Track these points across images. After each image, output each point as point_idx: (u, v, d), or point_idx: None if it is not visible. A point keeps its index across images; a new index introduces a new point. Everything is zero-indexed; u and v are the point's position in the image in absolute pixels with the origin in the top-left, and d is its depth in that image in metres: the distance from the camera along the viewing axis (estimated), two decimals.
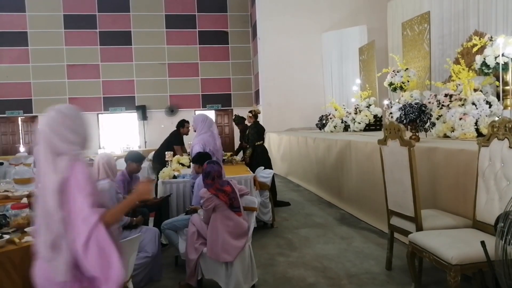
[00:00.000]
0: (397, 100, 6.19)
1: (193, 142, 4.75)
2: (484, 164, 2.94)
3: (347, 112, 9.26)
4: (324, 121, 9.76)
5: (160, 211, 4.82)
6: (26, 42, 13.55)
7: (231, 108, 14.64)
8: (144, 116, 13.97)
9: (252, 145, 6.62)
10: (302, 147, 8.55)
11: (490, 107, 4.50)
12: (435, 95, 5.07)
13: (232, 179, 3.84)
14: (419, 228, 3.23)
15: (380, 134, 4.40)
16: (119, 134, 14.23)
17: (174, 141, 6.66)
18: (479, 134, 4.38)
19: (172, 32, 14.22)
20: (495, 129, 2.88)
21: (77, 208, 1.65)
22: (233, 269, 3.31)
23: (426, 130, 4.58)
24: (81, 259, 1.63)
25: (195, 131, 4.83)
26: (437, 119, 4.83)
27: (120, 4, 13.92)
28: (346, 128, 9.10)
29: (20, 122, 14.06)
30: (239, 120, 7.69)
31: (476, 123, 4.44)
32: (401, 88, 6.87)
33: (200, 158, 4.40)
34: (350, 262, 4.11)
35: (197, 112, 14.59)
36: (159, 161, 6.26)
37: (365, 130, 8.37)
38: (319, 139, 7.73)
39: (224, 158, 6.61)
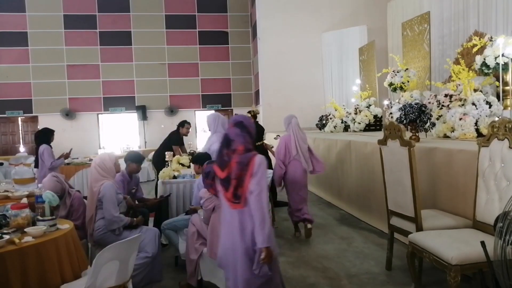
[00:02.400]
0: (397, 100, 6.19)
1: (209, 141, 4.71)
2: (484, 164, 2.94)
3: (347, 112, 9.26)
4: (324, 121, 9.76)
5: (160, 211, 4.82)
6: (26, 42, 13.54)
7: (231, 108, 14.63)
8: (144, 116, 13.97)
9: (254, 145, 6.62)
10: None
11: (490, 107, 4.50)
12: (435, 95, 5.06)
13: None
14: (419, 228, 3.23)
15: (380, 134, 4.40)
16: (119, 134, 14.22)
17: (173, 141, 6.66)
18: (479, 134, 4.38)
19: (172, 32, 14.21)
20: (495, 129, 2.88)
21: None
22: None
23: (426, 130, 4.58)
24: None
25: (210, 130, 4.85)
26: (437, 119, 4.83)
27: (120, 4, 13.91)
28: (346, 128, 9.10)
29: (20, 122, 14.04)
30: None
31: (476, 123, 4.44)
32: (401, 88, 6.87)
33: (200, 158, 4.40)
34: (350, 262, 4.11)
35: (197, 113, 14.63)
36: (159, 161, 6.26)
37: (365, 130, 8.37)
38: (319, 139, 7.72)
39: None
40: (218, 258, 2.60)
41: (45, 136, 6.18)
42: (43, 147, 6.00)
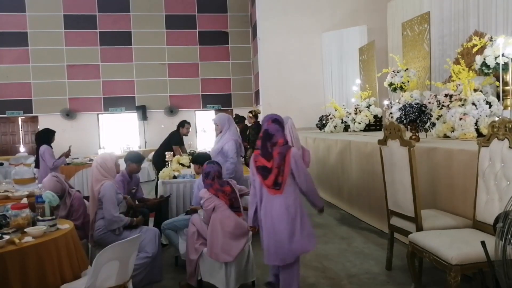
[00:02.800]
0: (397, 100, 6.19)
1: (222, 139, 4.59)
2: (484, 164, 2.94)
3: (347, 112, 9.26)
4: (324, 121, 9.76)
5: (160, 211, 4.83)
6: (26, 42, 13.53)
7: (231, 108, 14.62)
8: (144, 116, 13.96)
9: (253, 146, 6.63)
10: None
11: (490, 107, 4.50)
12: (435, 95, 5.06)
13: (232, 179, 3.84)
14: (419, 228, 3.23)
15: (380, 134, 4.40)
16: (119, 134, 14.22)
17: (174, 141, 6.67)
18: (479, 134, 4.38)
19: (172, 32, 14.21)
20: (495, 129, 2.88)
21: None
22: (233, 270, 3.31)
23: (426, 130, 4.58)
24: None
25: (220, 131, 4.67)
26: (437, 119, 4.83)
27: (120, 4, 13.91)
28: (346, 128, 9.10)
29: (20, 122, 14.04)
30: (240, 119, 7.71)
31: (476, 123, 4.44)
32: (401, 88, 6.86)
33: (200, 158, 4.41)
34: (350, 262, 4.11)
35: (197, 113, 14.63)
36: (159, 161, 6.26)
37: (365, 130, 8.36)
38: (319, 139, 7.73)
39: None
40: (264, 241, 2.95)
41: (46, 136, 6.19)
42: (43, 148, 6.01)
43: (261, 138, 2.92)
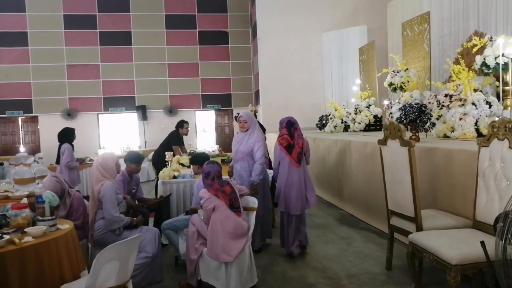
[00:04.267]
0: (397, 100, 6.19)
1: (252, 139, 4.42)
2: (484, 164, 2.94)
3: (347, 112, 9.26)
4: (324, 121, 9.76)
5: (160, 211, 4.82)
6: (26, 42, 13.54)
7: (231, 108, 14.63)
8: (144, 116, 13.97)
9: None
10: None
11: (490, 107, 4.50)
12: (435, 95, 5.06)
13: (232, 179, 3.84)
14: (419, 228, 3.23)
15: (380, 134, 4.40)
16: (119, 134, 14.22)
17: (174, 141, 6.68)
18: (479, 134, 4.38)
19: (172, 32, 14.21)
20: (495, 129, 2.88)
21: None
22: (233, 270, 3.31)
23: (426, 130, 4.58)
24: None
25: (247, 129, 4.47)
26: (437, 119, 4.83)
27: (120, 4, 13.91)
28: (346, 128, 9.10)
29: (20, 122, 14.04)
30: None
31: (476, 123, 4.44)
32: (401, 88, 6.86)
33: (199, 159, 4.41)
34: (350, 262, 4.11)
35: (197, 113, 14.64)
36: (159, 161, 6.27)
37: (365, 130, 8.37)
38: (319, 139, 7.73)
39: (224, 158, 6.64)
40: (287, 200, 4.30)
41: (67, 135, 6.67)
42: (65, 146, 6.51)
43: (285, 127, 4.29)
